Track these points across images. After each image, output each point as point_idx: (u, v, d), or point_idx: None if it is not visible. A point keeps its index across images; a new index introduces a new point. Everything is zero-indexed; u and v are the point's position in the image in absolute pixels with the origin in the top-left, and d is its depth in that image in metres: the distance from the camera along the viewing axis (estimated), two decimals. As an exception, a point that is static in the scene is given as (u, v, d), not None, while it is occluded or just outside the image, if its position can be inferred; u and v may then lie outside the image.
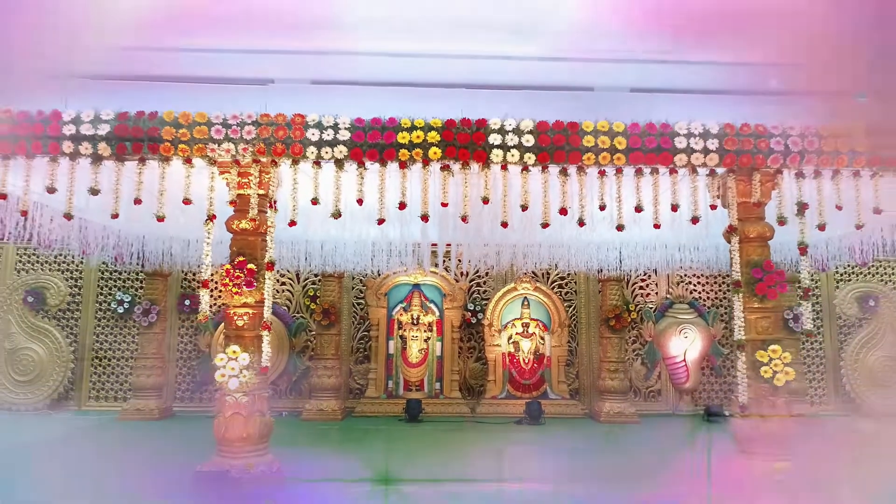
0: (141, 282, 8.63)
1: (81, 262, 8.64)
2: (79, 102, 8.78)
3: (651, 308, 8.78)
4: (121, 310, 8.57)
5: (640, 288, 8.95)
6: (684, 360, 8.58)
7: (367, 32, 8.12)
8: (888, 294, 8.80)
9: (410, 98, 9.01)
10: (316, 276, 8.42)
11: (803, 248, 4.54)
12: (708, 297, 8.98)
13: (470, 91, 9.16)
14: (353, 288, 8.73)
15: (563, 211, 4.46)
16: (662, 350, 8.64)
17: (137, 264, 7.40)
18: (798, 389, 8.05)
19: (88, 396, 8.58)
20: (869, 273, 8.93)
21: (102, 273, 8.78)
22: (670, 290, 8.87)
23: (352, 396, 8.43)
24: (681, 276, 8.86)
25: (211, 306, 8.63)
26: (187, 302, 8.61)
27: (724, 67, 8.85)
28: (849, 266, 8.79)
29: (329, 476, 4.92)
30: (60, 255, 8.54)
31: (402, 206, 4.41)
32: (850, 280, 8.93)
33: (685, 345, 8.59)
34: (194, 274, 8.63)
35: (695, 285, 8.94)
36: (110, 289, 8.76)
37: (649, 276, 8.80)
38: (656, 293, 8.94)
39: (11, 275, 8.66)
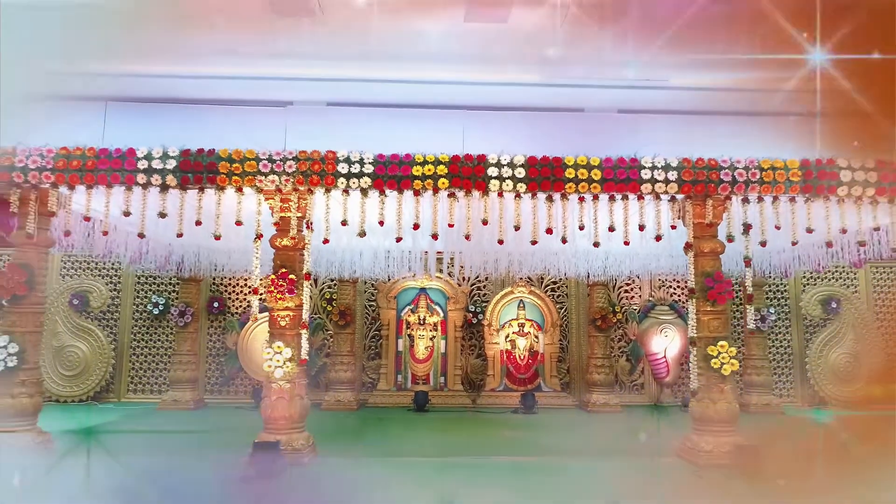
0: (173, 286, 9.57)
1: (120, 268, 9.57)
2: (124, 122, 9.79)
3: (635, 309, 9.70)
4: (155, 311, 9.52)
5: (626, 291, 9.88)
6: (665, 357, 9.49)
7: (379, 63, 9.06)
8: (849, 297, 9.72)
9: (419, 118, 10.04)
10: (332, 280, 9.34)
11: (747, 261, 5.48)
12: (686, 300, 9.89)
13: (473, 112, 10.18)
14: (366, 291, 9.66)
15: (549, 230, 5.40)
16: (645, 347, 9.55)
17: (178, 271, 8.34)
18: (764, 383, 9.03)
19: (127, 389, 9.52)
20: (832, 278, 9.86)
21: (139, 278, 9.71)
22: (652, 293, 9.79)
23: (365, 389, 9.35)
24: (662, 281, 9.78)
25: (236, 309, 9.63)
26: (216, 304, 9.54)
27: (700, 92, 9.83)
28: (814, 272, 9.72)
29: (352, 453, 5.87)
30: (102, 261, 9.47)
31: (416, 226, 5.35)
32: (815, 284, 9.85)
33: (666, 343, 9.50)
34: (222, 279, 9.56)
35: (675, 289, 9.86)
36: (146, 292, 9.70)
37: (633, 280, 9.74)
38: (640, 296, 9.87)
39: (57, 280, 9.59)
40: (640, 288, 9.87)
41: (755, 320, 9.01)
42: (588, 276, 8.58)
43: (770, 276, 8.97)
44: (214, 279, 9.54)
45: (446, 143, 9.86)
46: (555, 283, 9.75)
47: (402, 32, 8.15)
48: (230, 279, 9.62)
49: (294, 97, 10.12)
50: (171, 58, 8.97)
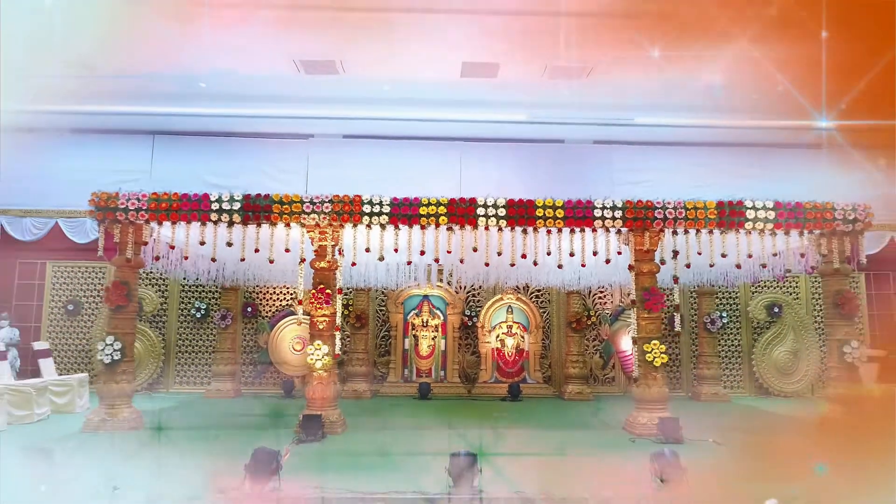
0: (212, 293, 11.24)
1: (168, 279, 11.20)
2: (169, 152, 11.48)
3: (607, 313, 11.35)
4: (198, 315, 11.20)
5: (599, 298, 11.54)
6: (633, 354, 11.08)
7: (388, 106, 10.71)
8: (790, 303, 11.36)
9: (423, 149, 11.73)
10: (348, 289, 10.99)
11: (675, 279, 7.14)
12: (667, 304, 11.55)
13: (469, 143, 11.86)
14: (377, 298, 11.32)
15: (524, 255, 7.05)
16: (615, 346, 11.19)
17: (222, 282, 10.01)
18: (714, 375, 10.70)
19: (174, 381, 11.18)
20: (777, 286, 11.50)
21: (183, 287, 11.37)
22: (622, 299, 11.42)
23: (377, 381, 10.99)
24: (630, 290, 11.41)
25: (267, 313, 11.27)
26: (249, 309, 11.20)
27: (664, 128, 11.51)
28: (761, 282, 11.36)
29: (372, 426, 7.53)
30: (153, 273, 11.11)
31: (422, 252, 7.01)
32: (761, 292, 11.50)
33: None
34: (254, 288, 11.17)
35: (669, 294, 11.48)
36: (190, 299, 11.37)
37: (605, 288, 11.39)
38: (611, 302, 11.51)
39: (114, 288, 11.26)
40: (611, 295, 11.52)
41: (706, 322, 10.75)
42: (563, 287, 10.24)
43: (719, 286, 10.65)
44: (248, 288, 11.18)
45: (446, 170, 11.70)
46: (538, 291, 11.40)
47: (409, 84, 9.82)
48: (261, 288, 11.27)
49: (315, 131, 11.81)
50: (213, 101, 10.64)
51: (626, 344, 11.10)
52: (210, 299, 11.32)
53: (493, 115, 10.91)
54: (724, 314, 11.31)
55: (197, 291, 11.37)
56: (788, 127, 11.21)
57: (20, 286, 11.37)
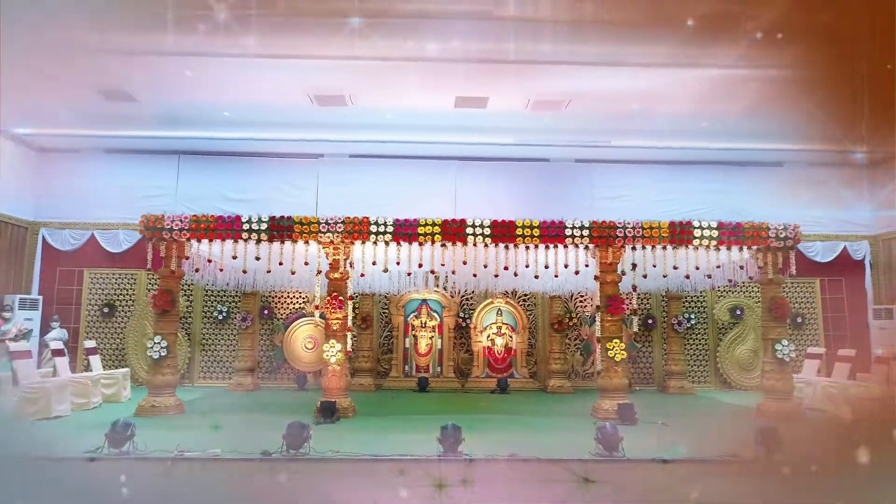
0: (232, 297, 12.54)
1: (192, 284, 12.49)
2: (194, 171, 12.79)
3: (587, 315, 12.65)
4: (220, 317, 12.51)
5: (580, 301, 12.83)
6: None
7: (391, 130, 11.98)
8: (752, 306, 12.63)
9: (422, 167, 13.02)
10: (356, 294, 12.26)
11: (634, 287, 8.43)
12: (627, 308, 12.85)
13: (463, 162, 13.15)
14: (380, 302, 12.62)
15: (506, 268, 8.34)
16: (594, 345, 12.46)
17: (243, 288, 11.31)
18: (681, 371, 11.99)
19: (198, 376, 12.49)
20: (740, 291, 12.80)
21: (206, 292, 12.67)
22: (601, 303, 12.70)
23: (380, 376, 12.29)
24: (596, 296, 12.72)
25: (282, 315, 12.57)
26: (266, 311, 12.50)
27: (638, 149, 12.79)
28: (726, 287, 12.64)
29: (378, 413, 8.82)
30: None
31: (420, 265, 8.31)
32: (725, 296, 12.80)
33: (610, 341, 12.42)
34: (270, 293, 12.45)
35: (629, 299, 12.77)
36: (212, 302, 12.68)
37: (586, 293, 12.67)
38: (591, 305, 12.79)
39: (145, 293, 12.58)
40: (591, 299, 12.79)
41: (674, 324, 12.03)
42: (545, 292, 11.55)
43: (687, 292, 11.95)
44: (264, 293, 12.48)
45: (443, 186, 13.00)
46: (525, 295, 12.70)
47: (409, 113, 11.09)
48: (277, 293, 12.57)
49: (324, 151, 13.11)
50: (235, 127, 11.92)
51: (603, 343, 12.44)
52: (231, 303, 12.63)
53: (483, 138, 12.21)
54: (693, 316, 12.61)
55: (219, 296, 12.68)
56: (748, 148, 12.52)
57: (60, 291, 12.67)
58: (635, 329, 8.83)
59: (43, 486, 5.27)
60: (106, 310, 12.49)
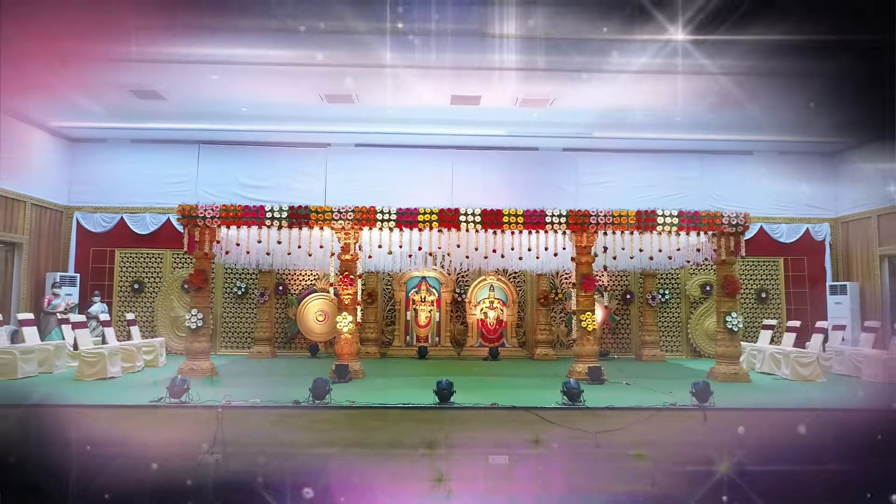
0: (250, 275, 13.86)
1: (214, 262, 13.75)
2: (213, 158, 14.04)
3: (571, 291, 13.94)
4: (239, 292, 13.84)
5: (565, 278, 14.14)
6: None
7: (393, 123, 13.14)
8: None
9: (421, 155, 14.21)
10: (363, 272, 13.57)
11: (605, 268, 9.72)
12: (608, 285, 14.20)
13: (459, 151, 14.34)
14: (384, 279, 13.93)
15: (494, 250, 9.63)
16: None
17: (261, 267, 12.61)
18: (654, 341, 13.36)
19: (220, 346, 13.86)
20: (709, 270, 14.08)
21: (226, 270, 13.98)
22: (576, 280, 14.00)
23: (384, 345, 13.67)
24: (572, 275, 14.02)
25: (295, 291, 13.89)
26: (280, 287, 13.83)
27: (618, 139, 13.96)
28: (697, 265, 13.94)
29: (385, 375, 10.18)
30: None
31: (419, 248, 9.60)
32: (697, 274, 14.11)
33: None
34: (284, 271, 13.75)
35: (600, 277, 14.11)
36: (232, 279, 14.00)
37: (570, 272, 13.94)
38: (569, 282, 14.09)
39: (171, 271, 13.89)
40: (570, 277, 14.09)
41: (648, 298, 13.36)
42: (532, 270, 12.85)
43: (660, 271, 13.25)
44: (279, 271, 13.78)
45: (441, 173, 14.19)
46: (515, 273, 14.00)
47: (409, 109, 12.26)
48: (290, 271, 13.87)
49: (332, 141, 14.30)
50: (251, 120, 13.10)
51: (586, 316, 13.77)
52: (248, 280, 13.94)
53: (477, 130, 13.42)
54: (667, 292, 13.96)
55: (237, 273, 13.99)
56: (721, 139, 13.72)
57: (94, 269, 13.98)
58: (606, 303, 10.07)
59: (118, 430, 6.64)
60: (136, 286, 13.82)
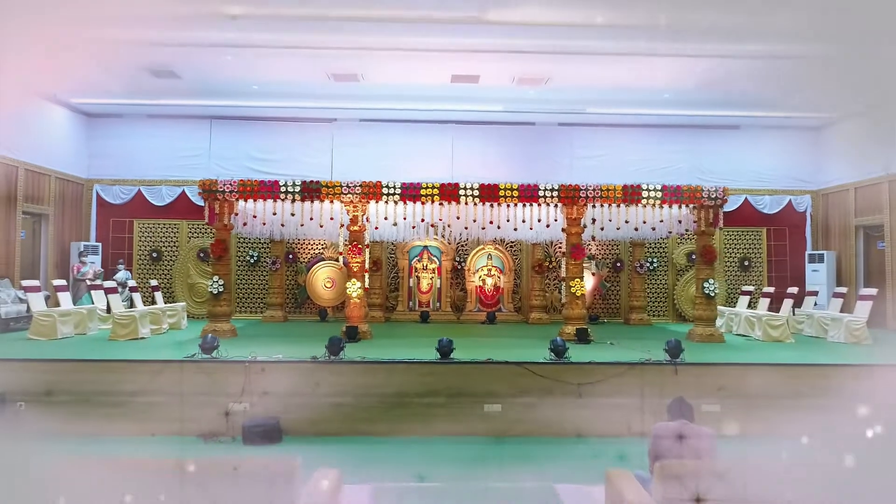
0: (262, 244, 14.68)
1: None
2: (225, 133, 14.79)
3: (563, 259, 14.79)
4: (251, 260, 14.70)
5: (559, 247, 14.95)
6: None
7: (397, 100, 13.80)
8: (706, 251, 14.76)
9: (424, 130, 14.93)
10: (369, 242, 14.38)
11: (593, 238, 10.53)
12: (599, 253, 15.03)
13: (459, 125, 15.03)
14: (388, 248, 14.76)
15: (491, 222, 10.44)
16: (570, 284, 14.66)
17: (273, 237, 13.44)
18: (641, 306, 14.26)
19: (235, 310, 14.75)
20: (695, 239, 14.88)
21: (239, 239, 14.81)
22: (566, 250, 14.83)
23: (388, 310, 14.57)
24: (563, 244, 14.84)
25: (304, 259, 14.74)
26: (290, 256, 14.68)
27: (611, 114, 14.62)
28: (681, 235, 14.76)
29: (390, 335, 11.10)
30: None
31: (422, 220, 10.41)
32: (683, 243, 14.94)
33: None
34: (294, 240, 14.57)
35: (590, 246, 14.96)
36: (245, 248, 14.84)
37: (562, 241, 14.77)
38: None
39: (187, 240, 14.73)
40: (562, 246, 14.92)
41: (637, 266, 14.22)
42: (527, 240, 13.69)
43: (648, 240, 14.07)
44: (289, 241, 14.60)
45: (441, 147, 14.91)
46: (511, 243, 14.83)
47: (412, 87, 12.93)
48: (300, 240, 14.70)
49: (338, 116, 14.98)
50: (261, 97, 13.77)
51: (578, 283, 14.64)
52: (260, 248, 14.78)
53: (476, 106, 14.09)
54: (655, 260, 14.81)
55: (250, 242, 14.81)
56: (709, 114, 14.39)
57: (114, 239, 14.81)
58: (595, 270, 10.92)
59: (155, 383, 7.55)
60: (154, 255, 14.67)
